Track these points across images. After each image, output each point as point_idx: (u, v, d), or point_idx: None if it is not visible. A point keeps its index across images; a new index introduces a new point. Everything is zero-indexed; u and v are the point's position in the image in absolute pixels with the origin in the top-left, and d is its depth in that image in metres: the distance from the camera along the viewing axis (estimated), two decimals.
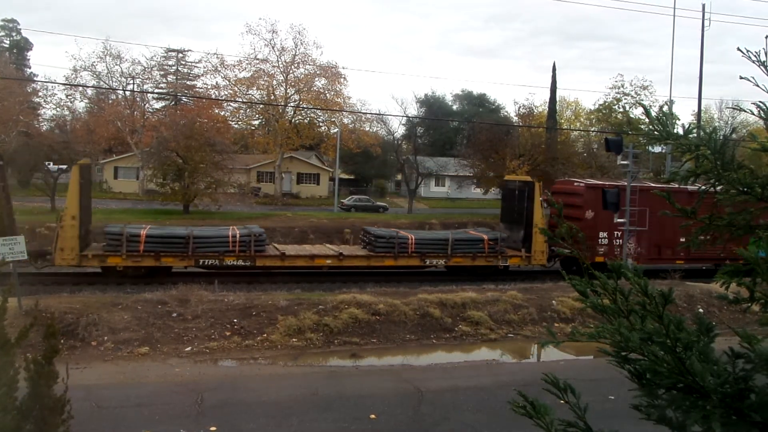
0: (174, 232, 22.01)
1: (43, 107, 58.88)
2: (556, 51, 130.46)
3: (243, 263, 21.66)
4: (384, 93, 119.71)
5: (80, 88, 54.83)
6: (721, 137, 2.34)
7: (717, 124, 56.91)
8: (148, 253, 20.69)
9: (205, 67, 58.22)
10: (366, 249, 23.55)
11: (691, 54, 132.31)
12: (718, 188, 2.34)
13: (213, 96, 52.60)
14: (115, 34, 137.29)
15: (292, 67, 50.68)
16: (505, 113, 67.77)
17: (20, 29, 70.67)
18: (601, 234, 24.06)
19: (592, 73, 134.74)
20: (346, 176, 68.18)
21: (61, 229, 19.90)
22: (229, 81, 51.67)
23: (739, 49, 2.26)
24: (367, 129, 55.92)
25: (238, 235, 21.65)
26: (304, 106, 52.30)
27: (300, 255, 22.52)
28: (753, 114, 2.31)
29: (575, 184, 26.27)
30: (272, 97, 50.72)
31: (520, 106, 50.25)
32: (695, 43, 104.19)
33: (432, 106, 70.31)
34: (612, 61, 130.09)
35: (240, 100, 51.50)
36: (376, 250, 22.86)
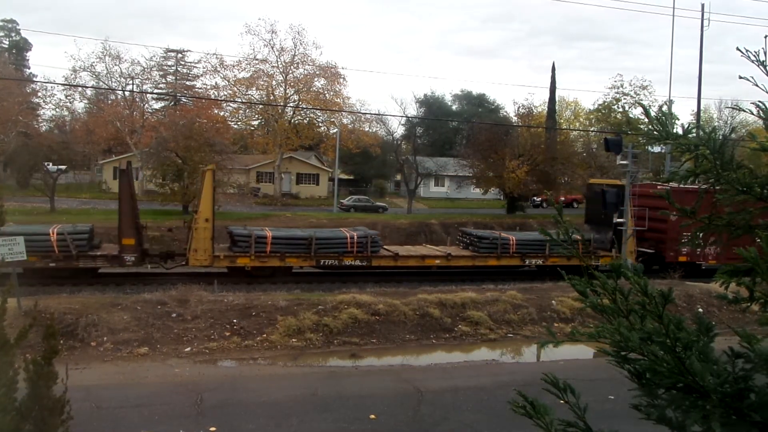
0: (297, 234, 23.10)
1: (43, 108, 58.87)
2: (555, 51, 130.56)
3: (360, 263, 22.71)
4: (383, 93, 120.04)
5: (79, 89, 54.84)
6: (721, 137, 2.34)
7: (716, 123, 56.93)
8: (275, 254, 21.71)
9: (204, 68, 58.24)
10: (468, 250, 24.46)
11: (690, 54, 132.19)
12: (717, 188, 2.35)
13: (212, 96, 52.56)
14: (114, 35, 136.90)
15: (292, 67, 50.68)
16: (505, 113, 67.86)
17: (19, 29, 70.67)
18: (685, 234, 24.74)
19: (591, 74, 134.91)
20: (346, 176, 68.17)
21: (195, 231, 20.87)
22: (228, 81, 51.67)
23: (738, 49, 2.26)
24: (367, 129, 55.91)
25: (355, 237, 22.67)
26: (304, 106, 52.28)
27: (411, 255, 23.63)
28: (752, 114, 2.31)
29: (658, 187, 26.73)
30: (271, 98, 50.69)
31: (519, 106, 50.32)
32: (694, 43, 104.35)
33: (431, 106, 70.32)
34: (610, 61, 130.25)
35: (239, 100, 51.48)
36: (480, 251, 23.84)
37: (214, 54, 71.85)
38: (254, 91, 52.38)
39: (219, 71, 51.69)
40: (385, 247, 24.33)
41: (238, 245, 21.61)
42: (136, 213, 21.23)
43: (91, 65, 52.62)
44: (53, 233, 20.08)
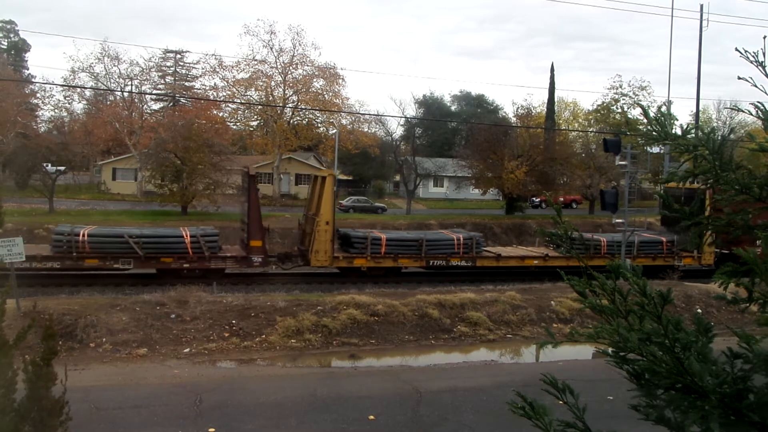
0: (408, 236, 24.17)
1: (41, 109, 58.92)
2: (551, 52, 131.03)
3: (465, 264, 23.50)
4: (382, 94, 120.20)
5: (78, 90, 54.79)
6: (720, 138, 2.34)
7: (715, 124, 56.98)
8: (388, 255, 22.71)
9: (203, 68, 58.26)
10: (559, 251, 25.08)
11: (688, 54, 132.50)
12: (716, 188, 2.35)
13: (211, 97, 52.54)
14: (112, 36, 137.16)
15: (291, 68, 50.64)
16: (504, 114, 67.90)
17: (18, 30, 70.68)
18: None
19: (588, 74, 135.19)
20: (345, 177, 68.12)
21: (317, 233, 21.91)
22: (227, 82, 51.61)
23: (737, 49, 2.26)
24: (366, 130, 55.86)
25: (461, 239, 23.58)
26: (303, 107, 52.25)
27: (512, 256, 24.50)
28: (751, 114, 2.31)
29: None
30: (270, 98, 50.65)
31: (518, 107, 50.35)
32: (691, 44, 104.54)
33: (430, 106, 70.35)
34: (607, 62, 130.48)
35: (238, 101, 51.43)
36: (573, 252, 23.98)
37: (212, 55, 71.90)
38: (253, 92, 52.35)
39: (218, 72, 51.67)
40: (486, 249, 25.32)
41: (354, 247, 22.66)
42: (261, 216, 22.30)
43: (90, 66, 52.64)
44: (186, 235, 21.06)
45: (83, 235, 20.14)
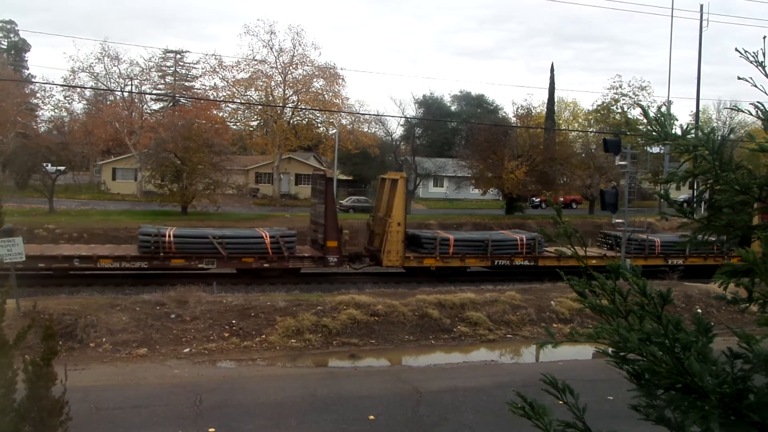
0: (475, 237, 24.85)
1: (41, 108, 58.94)
2: (551, 52, 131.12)
3: (528, 263, 24.17)
4: (382, 94, 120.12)
5: (78, 90, 54.79)
6: (719, 138, 2.34)
7: (715, 124, 56.94)
8: (456, 255, 23.39)
9: (203, 68, 58.24)
10: (615, 250, 25.64)
11: (688, 55, 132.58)
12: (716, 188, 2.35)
13: (211, 97, 52.54)
14: (112, 36, 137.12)
15: (291, 68, 50.63)
16: (504, 114, 67.87)
17: (18, 30, 70.69)
18: None
19: (588, 74, 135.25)
20: (345, 177, 68.11)
21: (389, 234, 22.65)
22: (227, 82, 51.61)
23: (737, 49, 2.26)
24: (366, 130, 55.86)
25: (525, 239, 24.35)
26: (303, 107, 52.24)
27: (572, 256, 23.94)
28: (751, 114, 2.31)
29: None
30: (270, 98, 50.64)
31: (518, 107, 50.33)
32: (691, 44, 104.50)
33: (430, 106, 70.30)
34: (607, 62, 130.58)
35: (238, 101, 51.43)
36: (629, 252, 24.90)
37: (212, 55, 71.89)
38: (253, 92, 52.35)
39: (218, 72, 51.67)
40: (546, 249, 25.79)
41: (424, 247, 23.34)
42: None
43: (90, 66, 52.64)
44: (266, 236, 21.66)
45: (169, 236, 20.81)
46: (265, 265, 21.53)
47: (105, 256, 20.64)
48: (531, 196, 51.05)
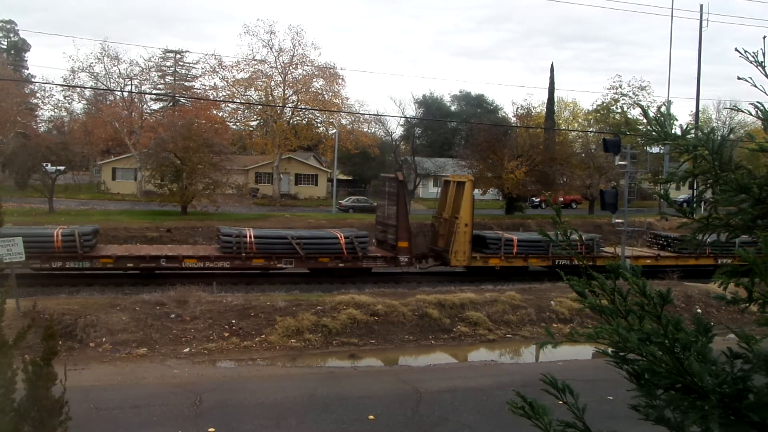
0: (537, 237, 24.40)
1: (41, 108, 58.93)
2: (550, 52, 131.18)
3: (588, 263, 24.40)
4: (382, 94, 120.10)
5: (78, 90, 54.78)
6: (719, 138, 2.34)
7: (715, 124, 56.97)
8: (519, 255, 24.20)
9: (203, 68, 58.23)
10: (666, 250, 26.54)
11: (687, 55, 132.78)
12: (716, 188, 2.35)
13: (211, 97, 52.54)
14: (112, 36, 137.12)
15: (290, 67, 50.63)
16: (503, 114, 67.89)
17: (18, 30, 70.67)
18: None
19: (586, 74, 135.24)
20: (344, 177, 68.15)
21: (457, 235, 23.32)
22: (227, 82, 51.63)
23: (737, 49, 2.25)
24: (365, 130, 55.88)
25: (584, 239, 24.42)
26: (302, 107, 52.24)
27: (627, 256, 25.39)
28: (751, 114, 2.31)
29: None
30: (270, 98, 50.64)
31: (518, 107, 50.31)
32: (691, 44, 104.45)
33: (430, 106, 70.32)
34: (606, 62, 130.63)
35: (238, 101, 51.42)
36: (681, 251, 25.84)
37: (212, 55, 71.80)
38: (253, 92, 52.35)
39: (217, 72, 51.69)
40: (603, 249, 26.54)
41: (489, 247, 24.07)
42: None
43: (90, 66, 52.63)
44: (341, 237, 22.48)
45: (250, 237, 21.56)
46: (340, 264, 22.36)
47: (189, 256, 21.50)
48: (531, 196, 51.02)
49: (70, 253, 20.14)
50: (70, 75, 52.55)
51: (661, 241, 27.49)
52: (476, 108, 73.65)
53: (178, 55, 69.61)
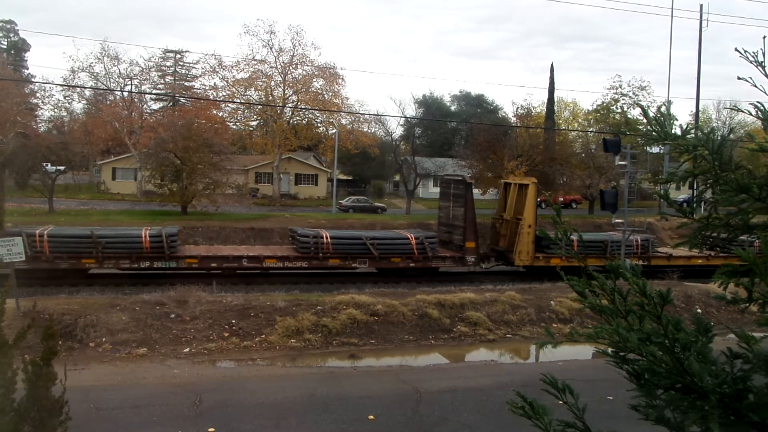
0: (595, 238, 26.06)
1: (41, 108, 58.86)
2: (550, 52, 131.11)
3: (643, 263, 25.11)
4: (382, 94, 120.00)
5: (78, 90, 54.76)
6: (719, 138, 2.34)
7: (715, 124, 56.96)
8: (579, 255, 24.09)
9: (203, 68, 58.19)
10: (714, 250, 26.53)
11: (687, 55, 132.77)
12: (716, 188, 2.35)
13: (211, 97, 52.51)
14: (112, 36, 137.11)
15: (290, 67, 50.60)
16: (503, 114, 67.88)
17: (18, 30, 70.61)
18: None
19: (586, 74, 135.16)
20: (345, 177, 68.11)
21: (520, 235, 24.07)
22: (227, 82, 51.59)
23: (737, 49, 2.25)
24: (365, 130, 55.83)
25: (639, 240, 25.76)
26: (302, 106, 52.22)
27: (680, 256, 26.34)
28: (751, 114, 2.31)
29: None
30: (270, 98, 50.61)
31: (518, 107, 50.30)
32: (691, 44, 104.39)
33: (430, 106, 70.32)
34: (605, 62, 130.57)
35: (238, 101, 51.40)
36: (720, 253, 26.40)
37: (212, 55, 71.75)
38: (253, 92, 52.32)
39: (217, 72, 51.65)
40: (657, 249, 27.26)
41: (550, 248, 24.43)
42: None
43: (90, 66, 52.62)
44: (411, 238, 23.10)
45: (326, 238, 22.08)
46: (411, 264, 22.93)
47: (270, 256, 22.05)
48: None
49: (158, 254, 20.53)
50: (70, 75, 52.62)
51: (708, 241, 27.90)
52: (476, 108, 73.64)
53: (178, 55, 69.63)
